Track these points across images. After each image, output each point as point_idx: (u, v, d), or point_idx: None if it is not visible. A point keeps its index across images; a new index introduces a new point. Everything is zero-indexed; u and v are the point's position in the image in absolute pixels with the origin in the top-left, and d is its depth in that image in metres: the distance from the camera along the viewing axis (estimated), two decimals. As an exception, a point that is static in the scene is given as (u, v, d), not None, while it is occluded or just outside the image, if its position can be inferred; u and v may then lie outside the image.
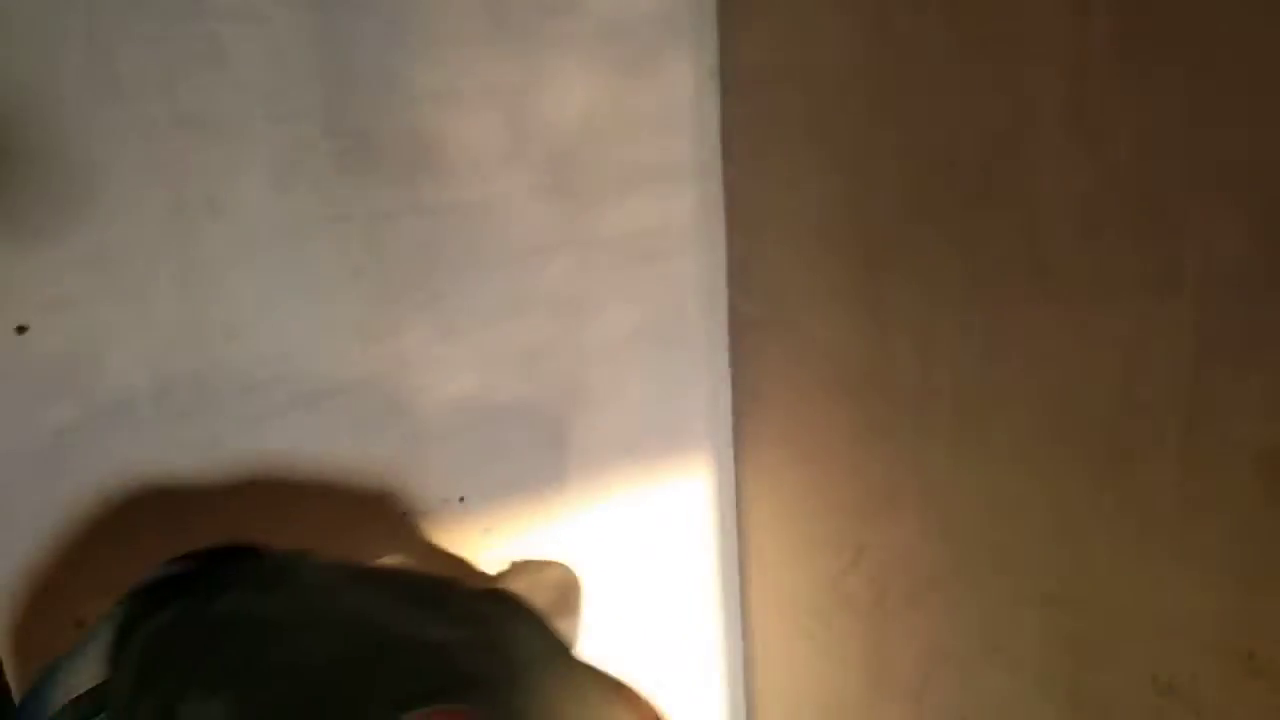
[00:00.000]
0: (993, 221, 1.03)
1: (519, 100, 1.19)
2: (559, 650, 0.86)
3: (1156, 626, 0.96)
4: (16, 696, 1.01)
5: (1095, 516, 1.00)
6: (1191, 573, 0.92)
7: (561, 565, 1.29)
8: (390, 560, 1.19)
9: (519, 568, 1.29)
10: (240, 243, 1.08)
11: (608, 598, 1.38)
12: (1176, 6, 0.84)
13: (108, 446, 1.05)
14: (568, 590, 1.26)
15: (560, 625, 0.94)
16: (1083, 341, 0.97)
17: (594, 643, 1.16)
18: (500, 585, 0.99)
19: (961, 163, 1.05)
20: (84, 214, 1.01)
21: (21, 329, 0.99)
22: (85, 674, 0.76)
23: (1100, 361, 0.96)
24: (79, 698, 0.75)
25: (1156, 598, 0.96)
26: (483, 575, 1.27)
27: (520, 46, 1.17)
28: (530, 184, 1.22)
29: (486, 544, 1.28)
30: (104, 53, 0.98)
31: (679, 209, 1.33)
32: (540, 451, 1.31)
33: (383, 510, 1.21)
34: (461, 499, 1.25)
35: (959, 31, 1.02)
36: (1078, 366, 0.98)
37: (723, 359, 1.42)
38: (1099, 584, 1.01)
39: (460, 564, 1.27)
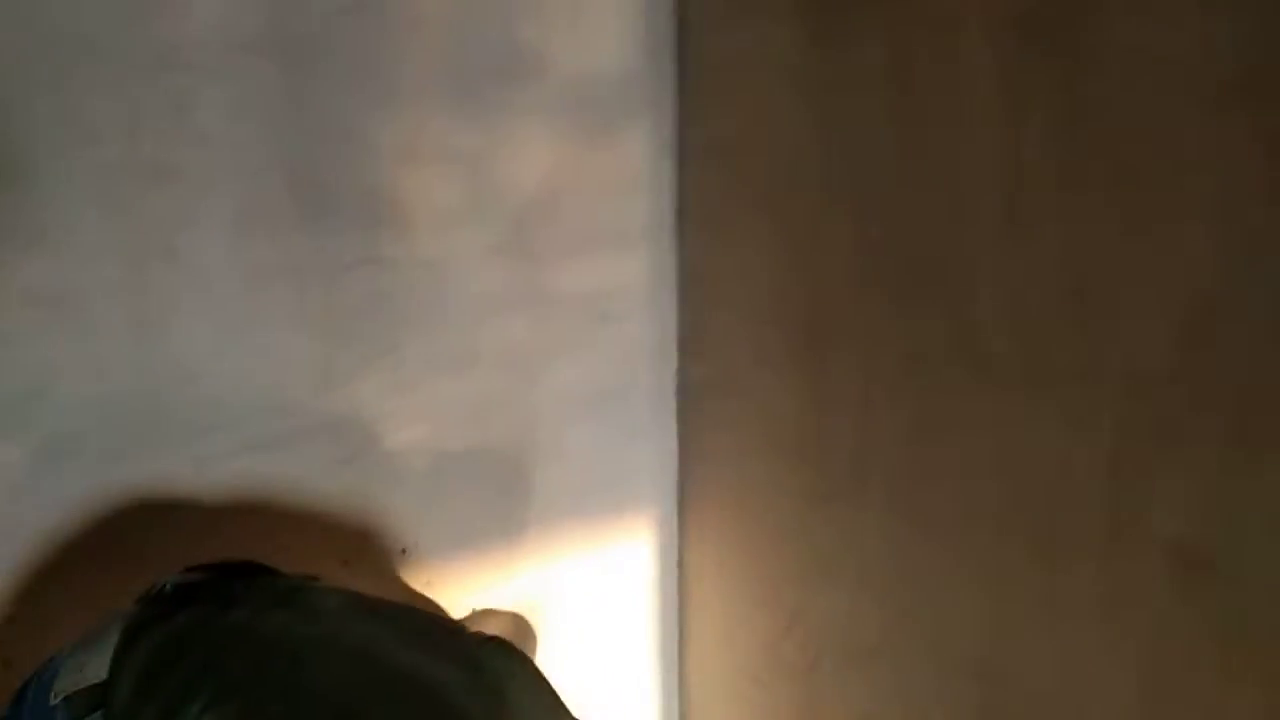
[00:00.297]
0: (929, 306, 1.07)
1: (479, 162, 1.22)
2: (555, 703, 0.88)
3: (1078, 708, 0.99)
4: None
5: (1023, 596, 1.03)
6: (1111, 658, 0.96)
7: (516, 616, 1.31)
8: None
9: (474, 618, 1.30)
10: (197, 290, 1.08)
11: (549, 652, 1.38)
12: (1103, 117, 0.89)
13: (51, 486, 1.04)
14: (522, 642, 1.27)
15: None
16: (1012, 428, 1.01)
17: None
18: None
19: (903, 249, 1.09)
20: (43, 253, 1.01)
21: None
22: (89, 669, 0.77)
23: (1029, 449, 1.00)
24: (77, 692, 0.75)
25: (1078, 680, 0.99)
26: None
27: (482, 110, 1.20)
28: (487, 243, 1.24)
29: (428, 596, 1.29)
30: (72, 101, 1.00)
31: (633, 272, 1.36)
32: (487, 506, 1.32)
33: (326, 559, 1.21)
34: (404, 550, 1.26)
35: (903, 129, 1.07)
36: (1007, 452, 1.02)
37: (670, 420, 1.45)
38: (1024, 662, 1.04)
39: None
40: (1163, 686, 0.92)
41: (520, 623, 1.32)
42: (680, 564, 1.51)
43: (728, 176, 1.30)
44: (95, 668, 0.76)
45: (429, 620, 0.97)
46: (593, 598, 1.45)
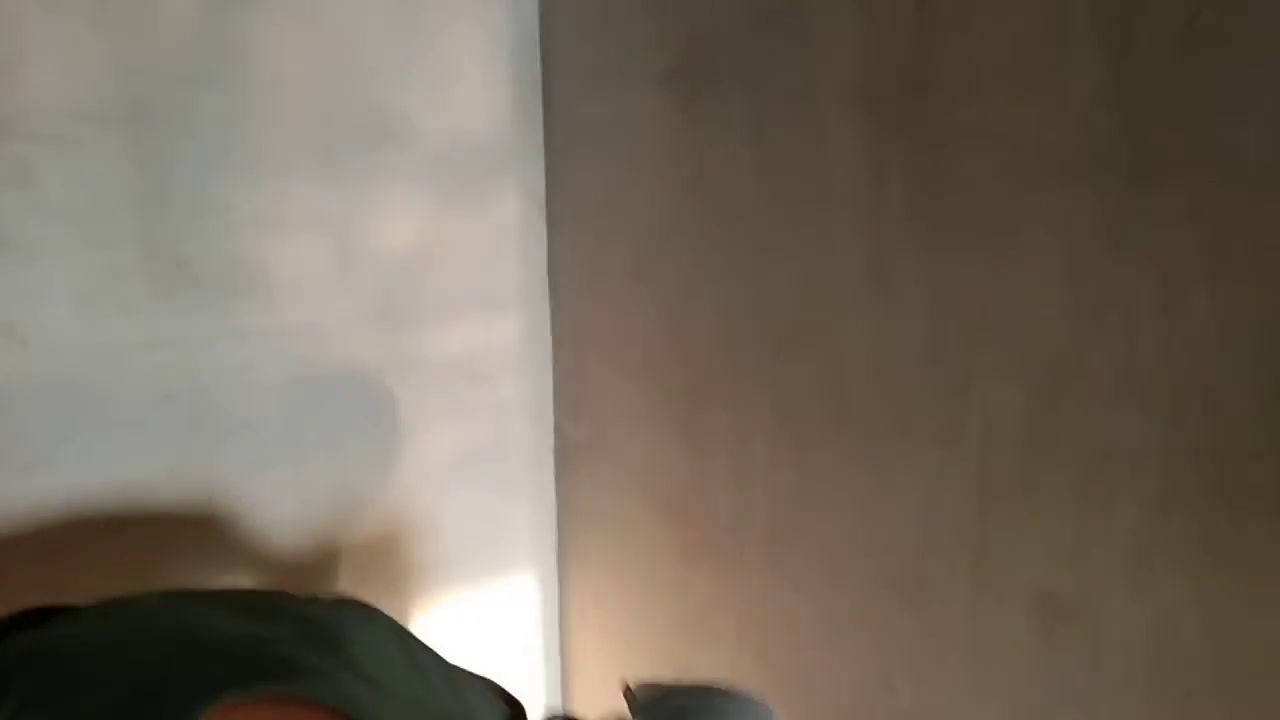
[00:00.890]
0: (799, 366, 1.10)
1: (344, 227, 1.19)
2: (405, 642, 0.82)
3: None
4: None
5: (900, 642, 1.06)
6: (984, 701, 0.99)
7: None
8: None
9: None
10: (43, 370, 1.02)
11: None
12: (956, 187, 0.93)
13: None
14: None
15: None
16: (881, 481, 1.04)
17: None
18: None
19: (773, 308, 1.12)
20: None
21: None
22: None
23: (898, 500, 1.03)
24: None
25: (952, 723, 1.02)
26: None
27: (346, 175, 1.18)
28: (354, 309, 1.21)
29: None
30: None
31: (506, 334, 1.35)
32: (361, 576, 1.28)
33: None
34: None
35: (770, 192, 1.10)
36: (878, 504, 1.05)
37: (548, 480, 1.44)
38: (904, 709, 1.07)
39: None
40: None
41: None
42: (561, 623, 1.50)
43: (599, 238, 1.31)
44: None
45: (261, 592, 0.90)
46: (476, 662, 1.42)
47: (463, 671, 0.82)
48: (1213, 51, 0.78)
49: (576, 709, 1.51)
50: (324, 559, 1.25)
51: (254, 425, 1.16)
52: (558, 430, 1.43)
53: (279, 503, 1.19)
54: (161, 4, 1.05)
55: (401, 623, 0.87)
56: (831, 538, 1.11)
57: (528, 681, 1.49)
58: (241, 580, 1.18)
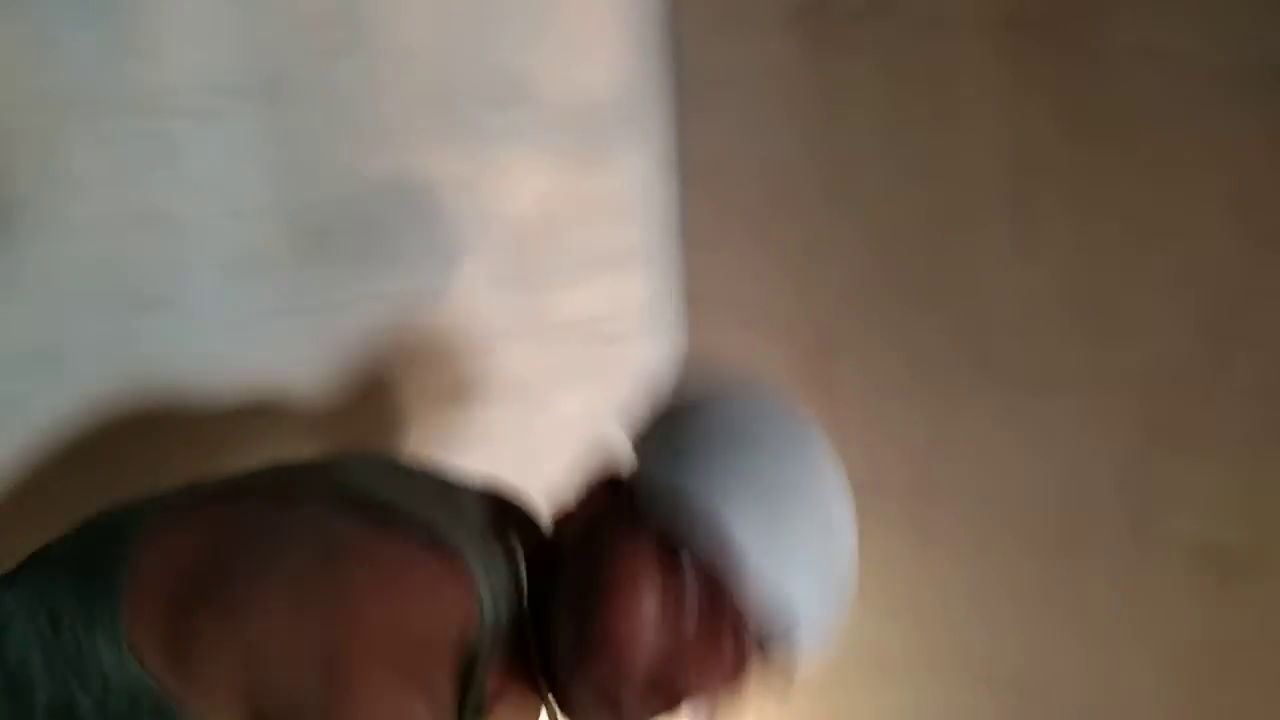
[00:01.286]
0: (936, 317, 1.05)
1: (475, 191, 1.20)
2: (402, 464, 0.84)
3: (1108, 716, 0.98)
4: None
5: (1047, 605, 1.02)
6: (1141, 663, 0.94)
7: None
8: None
9: None
10: (192, 337, 1.07)
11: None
12: (1109, 114, 0.87)
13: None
14: None
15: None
16: (1027, 435, 0.99)
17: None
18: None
19: (905, 259, 1.08)
20: (25, 305, 0.99)
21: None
22: None
23: (1047, 455, 0.98)
24: None
25: (1108, 687, 0.97)
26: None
27: (475, 139, 1.19)
28: (486, 272, 1.22)
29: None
30: (61, 151, 0.98)
31: (634, 294, 1.35)
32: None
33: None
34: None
35: (904, 131, 1.05)
36: (1024, 460, 1.00)
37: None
38: (1052, 671, 1.03)
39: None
40: (1195, 688, 0.90)
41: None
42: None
43: (727, 192, 1.29)
44: None
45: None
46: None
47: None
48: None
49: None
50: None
51: (390, 388, 1.18)
52: (687, 390, 1.42)
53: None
54: (294, -24, 1.07)
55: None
56: (975, 497, 1.07)
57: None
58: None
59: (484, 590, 0.67)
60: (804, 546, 0.70)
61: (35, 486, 0.98)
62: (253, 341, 1.10)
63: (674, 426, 0.74)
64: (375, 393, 1.18)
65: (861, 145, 1.10)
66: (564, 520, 0.77)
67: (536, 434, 1.31)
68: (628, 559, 0.69)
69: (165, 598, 0.66)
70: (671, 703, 0.69)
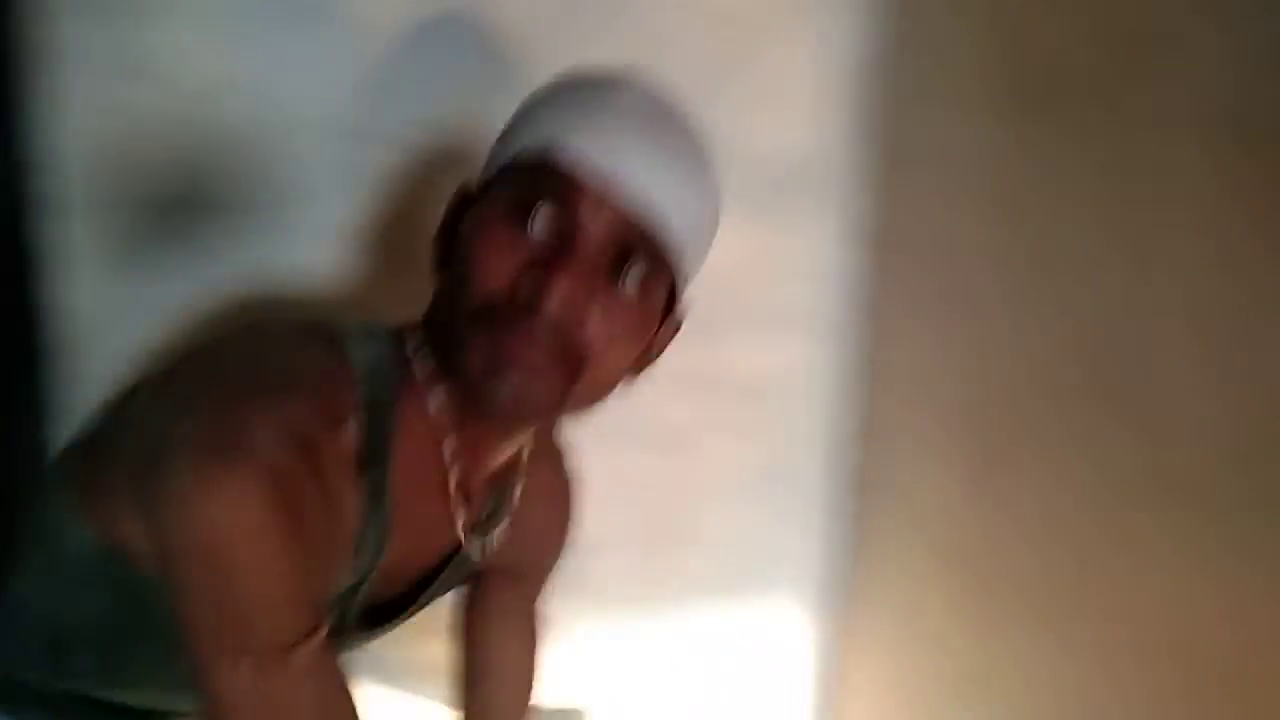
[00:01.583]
0: (1121, 421, 0.98)
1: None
2: None
3: None
4: None
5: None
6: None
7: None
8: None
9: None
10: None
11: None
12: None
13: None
14: None
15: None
16: (1208, 558, 0.90)
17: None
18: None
19: (1095, 354, 1.01)
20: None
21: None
22: None
23: (1235, 583, 0.89)
24: None
25: None
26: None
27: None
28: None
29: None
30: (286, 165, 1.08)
31: (806, 357, 1.33)
32: (627, 585, 1.31)
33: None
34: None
35: (1103, 232, 0.99)
36: (1206, 582, 0.91)
37: (836, 512, 1.39)
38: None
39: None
40: None
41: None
42: (833, 664, 1.44)
43: (913, 267, 1.26)
44: None
45: None
46: (737, 690, 1.40)
47: None
48: None
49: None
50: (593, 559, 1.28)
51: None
52: (849, 462, 1.38)
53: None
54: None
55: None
56: (1145, 620, 0.98)
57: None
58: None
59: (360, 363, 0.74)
60: (560, 94, 0.76)
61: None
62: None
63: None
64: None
65: (1058, 238, 1.04)
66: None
67: (689, 484, 1.31)
68: (464, 225, 0.74)
69: (84, 457, 0.81)
70: (531, 308, 0.68)
